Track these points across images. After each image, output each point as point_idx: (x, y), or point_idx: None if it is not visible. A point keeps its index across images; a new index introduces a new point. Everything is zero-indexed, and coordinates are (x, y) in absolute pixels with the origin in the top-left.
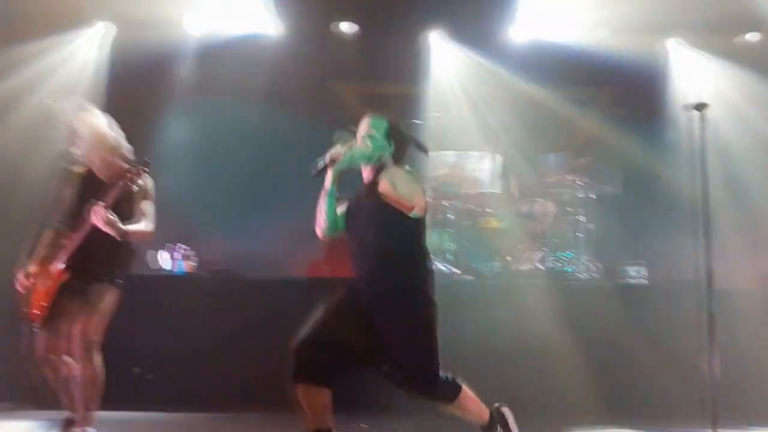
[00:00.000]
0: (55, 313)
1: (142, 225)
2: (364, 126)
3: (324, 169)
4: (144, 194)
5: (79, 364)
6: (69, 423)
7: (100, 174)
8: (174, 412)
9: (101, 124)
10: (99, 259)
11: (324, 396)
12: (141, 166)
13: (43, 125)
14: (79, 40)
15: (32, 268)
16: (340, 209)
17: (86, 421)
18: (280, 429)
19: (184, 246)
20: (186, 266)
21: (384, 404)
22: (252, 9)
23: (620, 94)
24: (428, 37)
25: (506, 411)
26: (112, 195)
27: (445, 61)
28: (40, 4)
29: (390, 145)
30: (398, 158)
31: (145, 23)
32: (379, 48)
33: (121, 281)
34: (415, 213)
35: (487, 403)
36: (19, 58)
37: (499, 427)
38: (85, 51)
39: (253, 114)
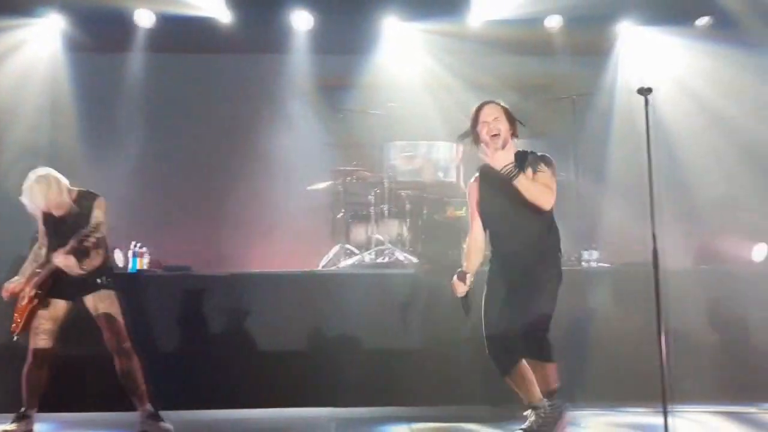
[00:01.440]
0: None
1: (92, 259)
2: (486, 113)
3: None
4: (92, 226)
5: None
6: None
7: (57, 214)
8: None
9: (41, 189)
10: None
11: (528, 369)
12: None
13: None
14: (23, 30)
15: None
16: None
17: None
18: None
19: (137, 244)
20: (140, 264)
21: None
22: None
23: (572, 80)
24: (384, 24)
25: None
26: (71, 245)
27: (402, 48)
28: None
29: (511, 125)
30: (515, 136)
31: (94, 14)
32: (334, 36)
33: (111, 282)
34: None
35: None
36: None
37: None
38: (36, 43)
39: (206, 108)
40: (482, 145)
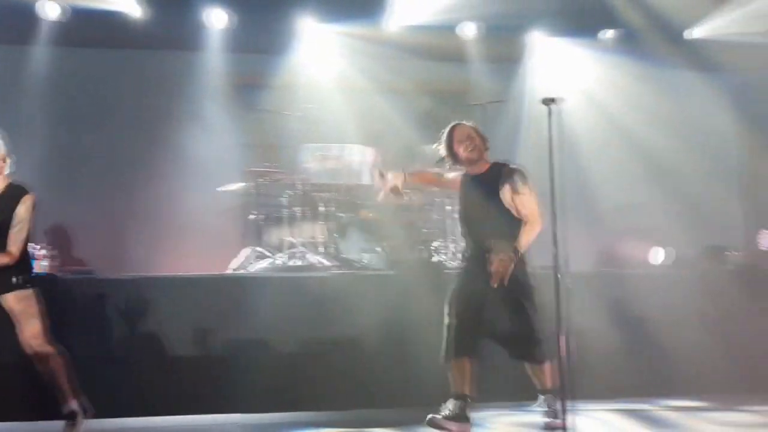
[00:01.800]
0: None
1: (2, 257)
2: (458, 133)
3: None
4: (15, 219)
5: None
6: None
7: None
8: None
9: None
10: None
11: (471, 366)
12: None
13: None
14: None
15: None
16: None
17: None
18: None
19: (42, 246)
20: (45, 267)
21: None
22: None
23: (485, 86)
24: (300, 25)
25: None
26: None
27: (318, 50)
28: None
29: (482, 139)
30: (488, 149)
31: None
32: (250, 35)
33: (29, 281)
34: None
35: None
36: None
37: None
38: None
39: (115, 105)
40: (462, 162)
